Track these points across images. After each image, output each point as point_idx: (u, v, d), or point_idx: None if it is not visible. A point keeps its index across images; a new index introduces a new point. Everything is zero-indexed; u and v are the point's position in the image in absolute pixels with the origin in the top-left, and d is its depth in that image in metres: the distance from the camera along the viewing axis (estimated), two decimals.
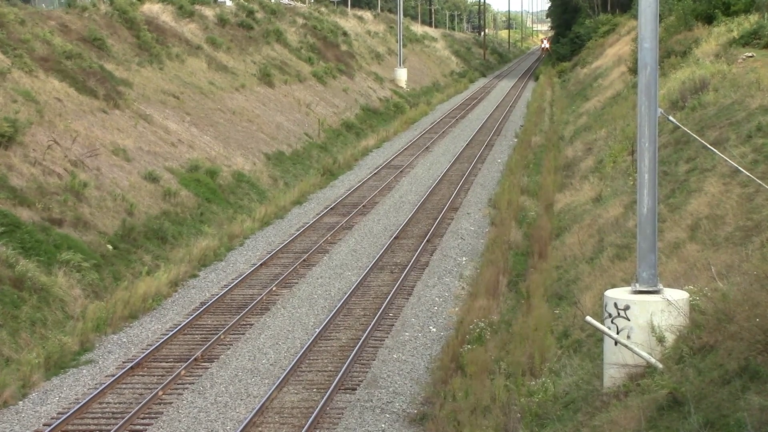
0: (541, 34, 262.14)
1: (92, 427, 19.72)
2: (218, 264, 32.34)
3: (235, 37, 64.88)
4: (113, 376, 22.29)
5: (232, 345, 24.59)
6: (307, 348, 23.80)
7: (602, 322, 16.09)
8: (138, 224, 32.12)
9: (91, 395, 20.98)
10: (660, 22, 22.02)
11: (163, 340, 24.55)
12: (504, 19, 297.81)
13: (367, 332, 24.83)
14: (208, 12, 65.98)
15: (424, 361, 23.17)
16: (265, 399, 20.60)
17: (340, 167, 51.14)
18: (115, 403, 20.90)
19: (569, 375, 17.98)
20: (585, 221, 29.98)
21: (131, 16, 52.18)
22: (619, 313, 15.85)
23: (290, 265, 31.92)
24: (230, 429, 19.57)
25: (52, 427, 19.49)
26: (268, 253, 33.39)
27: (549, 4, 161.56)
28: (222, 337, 24.99)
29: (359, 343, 23.98)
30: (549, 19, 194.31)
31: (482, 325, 23.25)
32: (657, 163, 16.19)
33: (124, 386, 21.85)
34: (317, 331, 25.06)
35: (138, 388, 21.68)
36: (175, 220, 34.50)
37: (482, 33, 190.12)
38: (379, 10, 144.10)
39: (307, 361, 23.23)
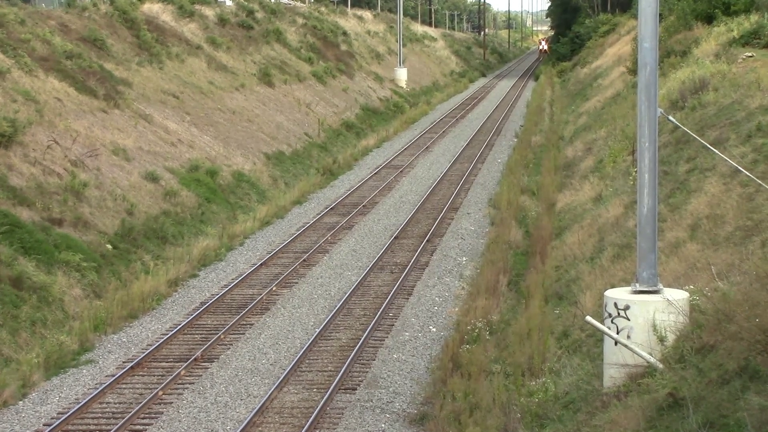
0: (541, 34, 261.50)
1: (92, 427, 19.71)
2: (218, 264, 32.33)
3: (235, 37, 64.88)
4: (113, 376, 22.28)
5: (232, 345, 24.58)
6: (307, 348, 23.79)
7: (602, 322, 16.10)
8: (138, 224, 32.12)
9: (91, 395, 20.97)
10: (660, 21, 22.03)
11: (163, 340, 24.54)
12: (504, 18, 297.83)
13: (367, 332, 24.83)
14: (208, 12, 65.98)
15: (424, 361, 23.16)
16: (265, 399, 20.59)
17: (340, 167, 51.13)
18: (115, 403, 20.90)
19: (569, 375, 17.98)
20: (585, 221, 29.99)
21: (131, 15, 52.19)
22: (619, 313, 15.86)
23: (290, 265, 31.92)
24: (230, 429, 19.56)
25: (52, 427, 19.49)
26: (268, 253, 33.38)
27: (549, 4, 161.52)
28: (222, 337, 24.99)
29: (359, 343, 23.98)
30: (549, 19, 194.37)
31: (480, 325, 23.28)
32: (657, 162, 16.20)
33: (124, 386, 21.84)
34: (317, 331, 25.06)
35: (138, 388, 21.68)
36: (176, 219, 34.50)
37: (482, 33, 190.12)
38: (379, 9, 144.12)
39: (307, 361, 23.22)
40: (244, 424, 19.27)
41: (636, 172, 17.14)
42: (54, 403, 21.09)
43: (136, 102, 43.04)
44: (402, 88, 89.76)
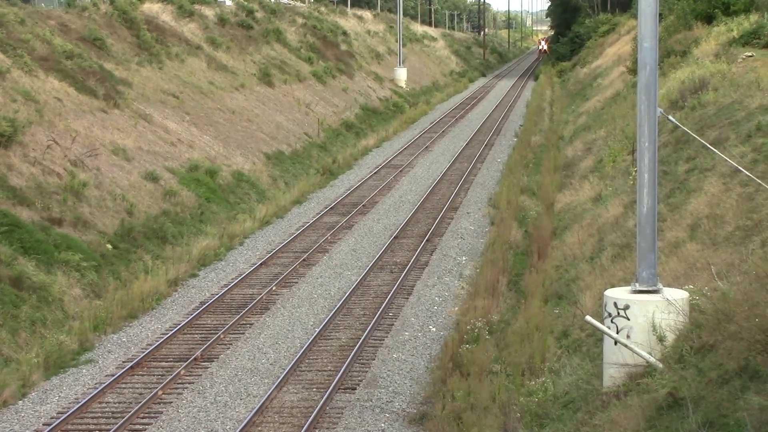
0: (541, 34, 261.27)
1: (92, 427, 19.71)
2: (218, 263, 32.33)
3: (235, 37, 64.88)
4: (113, 375, 22.28)
5: (231, 344, 24.58)
6: (306, 347, 23.79)
7: (602, 322, 16.10)
8: (138, 224, 32.12)
9: (91, 395, 20.97)
10: (660, 21, 22.03)
11: (162, 339, 24.54)
12: (504, 18, 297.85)
13: (366, 332, 24.83)
14: (208, 12, 65.99)
15: (424, 360, 23.17)
16: (264, 398, 20.60)
17: (339, 167, 51.14)
18: (115, 403, 20.90)
19: (569, 375, 17.98)
20: (585, 221, 29.99)
21: (131, 15, 52.19)
22: (618, 313, 15.85)
23: (290, 264, 31.92)
24: (230, 428, 19.56)
25: (51, 426, 19.49)
26: (268, 253, 33.38)
27: (549, 4, 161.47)
28: (222, 336, 24.99)
29: (359, 343, 23.98)
30: (549, 19, 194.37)
31: (480, 324, 23.28)
32: (657, 162, 16.20)
33: (123, 386, 21.85)
34: (317, 330, 25.06)
35: (138, 388, 21.68)
36: (175, 219, 34.49)
37: (482, 33, 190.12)
38: (378, 9, 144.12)
39: (307, 361, 23.22)
40: (243, 424, 19.27)
41: (636, 171, 17.13)
42: (54, 402, 21.09)
43: (136, 102, 43.04)
44: (402, 87, 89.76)
